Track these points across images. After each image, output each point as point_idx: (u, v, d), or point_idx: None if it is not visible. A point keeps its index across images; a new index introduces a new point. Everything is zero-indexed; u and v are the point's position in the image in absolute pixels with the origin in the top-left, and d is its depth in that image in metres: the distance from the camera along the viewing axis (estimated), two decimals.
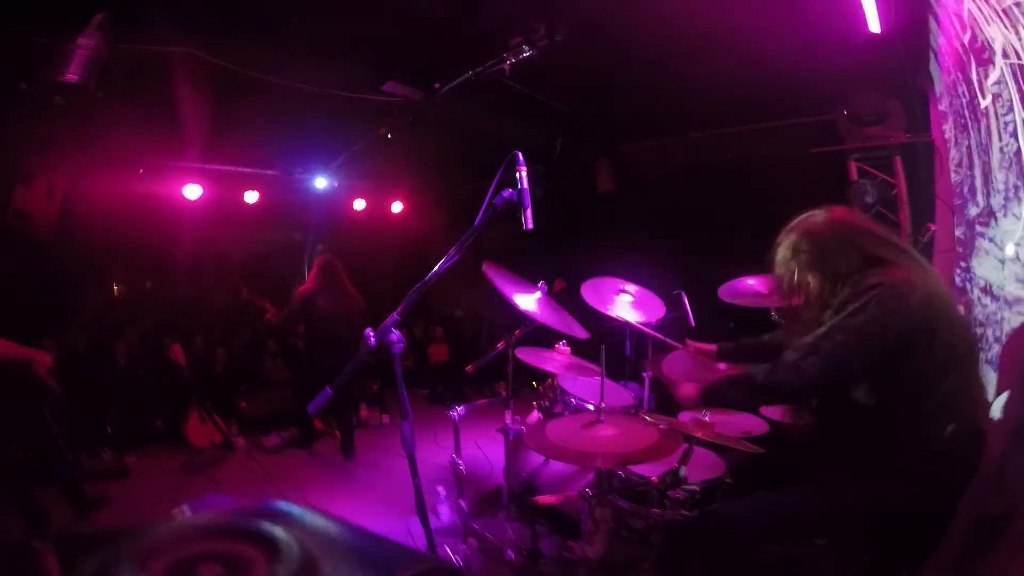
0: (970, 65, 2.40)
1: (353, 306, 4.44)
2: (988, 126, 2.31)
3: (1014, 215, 2.13)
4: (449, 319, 7.69)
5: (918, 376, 1.55)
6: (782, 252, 1.81)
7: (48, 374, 3.36)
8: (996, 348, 2.29)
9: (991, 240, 2.42)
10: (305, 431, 4.70)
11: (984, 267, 2.54)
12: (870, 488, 1.61)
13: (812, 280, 1.73)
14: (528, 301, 2.54)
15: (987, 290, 2.49)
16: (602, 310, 2.86)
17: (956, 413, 1.55)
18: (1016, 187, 2.08)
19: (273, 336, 5.97)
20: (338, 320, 4.31)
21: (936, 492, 1.53)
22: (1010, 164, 2.12)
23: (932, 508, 1.52)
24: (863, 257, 1.65)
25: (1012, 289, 2.18)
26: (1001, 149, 2.19)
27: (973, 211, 2.70)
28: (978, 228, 2.62)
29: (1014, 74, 1.96)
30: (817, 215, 1.80)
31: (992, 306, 2.41)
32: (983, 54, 2.23)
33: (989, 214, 2.43)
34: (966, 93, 2.57)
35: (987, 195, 2.44)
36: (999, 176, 2.25)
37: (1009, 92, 2.01)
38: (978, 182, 2.58)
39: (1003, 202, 2.24)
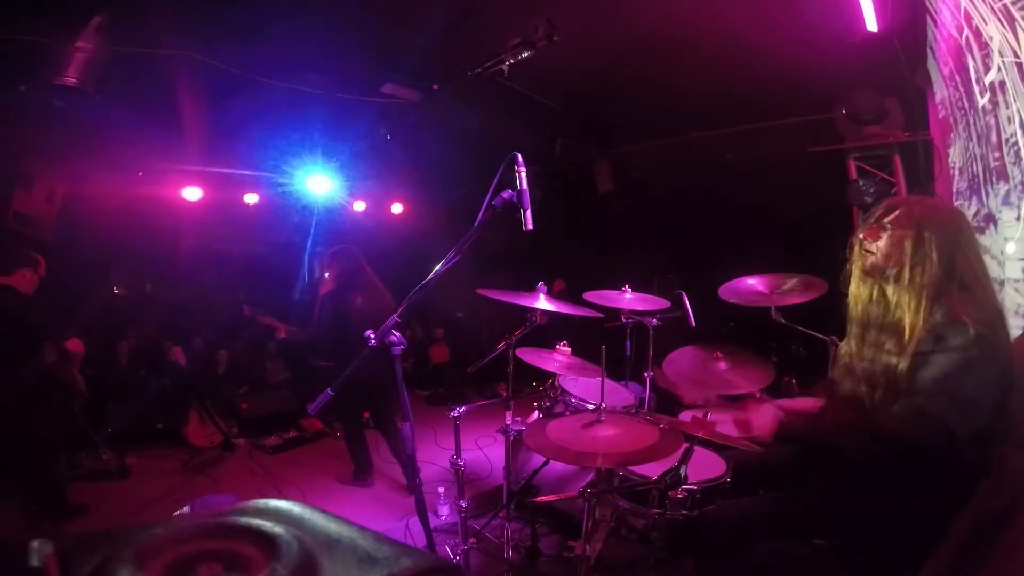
0: (967, 64, 2.40)
1: (387, 305, 3.90)
2: (986, 126, 2.31)
3: (1012, 220, 2.12)
4: (450, 320, 7.69)
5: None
6: (901, 225, 1.65)
7: (76, 373, 3.41)
8: None
9: (987, 251, 2.39)
10: (349, 422, 4.17)
11: None
12: (872, 495, 1.61)
13: (913, 269, 1.60)
14: (539, 303, 2.55)
15: None
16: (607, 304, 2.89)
17: (996, 443, 1.52)
18: (1016, 188, 2.08)
19: (273, 337, 5.97)
20: (372, 319, 3.88)
21: (939, 501, 1.52)
22: (1008, 166, 2.11)
23: (932, 514, 1.52)
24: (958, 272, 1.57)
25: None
26: (999, 148, 2.19)
27: (969, 215, 2.69)
28: None
29: (1012, 73, 1.96)
30: (955, 215, 1.71)
31: None
32: (980, 53, 2.23)
33: (988, 218, 2.41)
34: (964, 92, 2.57)
35: (984, 197, 2.44)
36: (997, 178, 2.25)
37: (1007, 91, 2.01)
38: (975, 184, 2.57)
39: (1001, 205, 2.23)
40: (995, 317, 1.55)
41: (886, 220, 1.68)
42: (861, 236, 1.73)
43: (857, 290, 1.78)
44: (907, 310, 1.60)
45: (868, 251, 1.70)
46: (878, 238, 1.68)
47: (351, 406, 3.96)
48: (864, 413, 1.66)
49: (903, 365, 1.56)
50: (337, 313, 3.78)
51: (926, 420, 1.44)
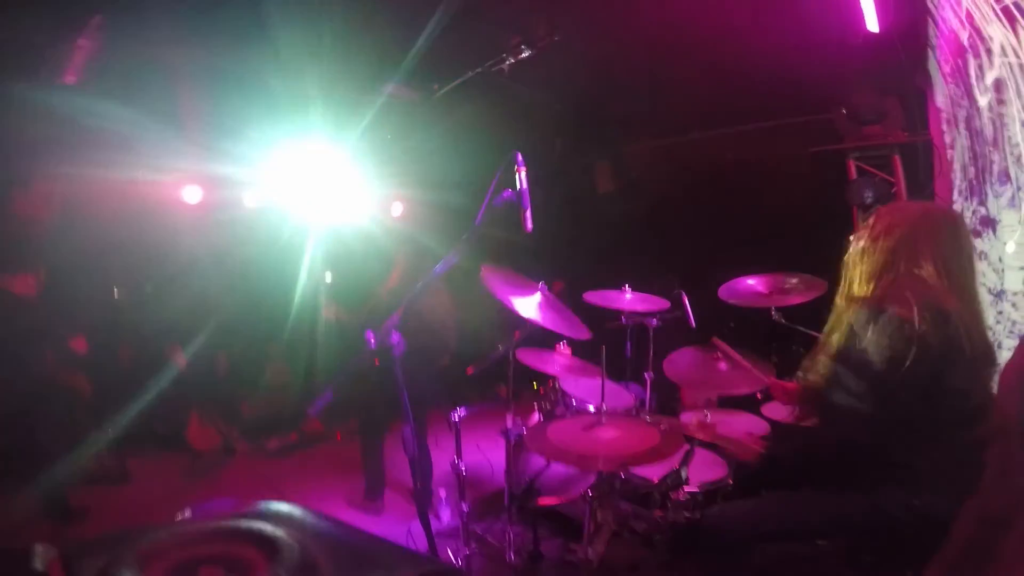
0: (968, 63, 2.40)
1: (441, 308, 3.73)
2: (987, 125, 2.31)
3: (1015, 223, 2.11)
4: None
5: (950, 391, 1.52)
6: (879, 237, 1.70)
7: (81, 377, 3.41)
8: None
9: (984, 256, 2.37)
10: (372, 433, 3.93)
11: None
12: (875, 495, 1.60)
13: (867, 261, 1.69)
14: (529, 305, 2.53)
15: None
16: (607, 306, 2.88)
17: (979, 426, 1.52)
18: (1017, 190, 2.07)
19: (274, 339, 5.95)
20: (424, 323, 3.52)
21: (942, 501, 1.52)
22: (1011, 166, 2.11)
23: (935, 514, 1.52)
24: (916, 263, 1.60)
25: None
26: (1001, 149, 2.19)
27: (967, 215, 2.69)
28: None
29: (1013, 72, 1.96)
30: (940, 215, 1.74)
31: None
32: (982, 53, 2.23)
33: (985, 222, 2.40)
34: (964, 92, 2.56)
35: (984, 198, 2.43)
36: (996, 180, 2.24)
37: (1008, 90, 2.01)
38: (975, 184, 2.57)
39: (1005, 206, 2.22)
40: (947, 305, 1.54)
41: (882, 210, 1.77)
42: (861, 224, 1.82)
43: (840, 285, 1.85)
44: (855, 285, 1.70)
45: (852, 241, 1.78)
46: (861, 228, 1.77)
47: (381, 417, 3.69)
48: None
49: (835, 338, 1.67)
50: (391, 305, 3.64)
51: (845, 418, 1.59)
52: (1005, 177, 2.19)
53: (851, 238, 1.80)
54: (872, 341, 1.53)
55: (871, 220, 1.75)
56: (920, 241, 1.62)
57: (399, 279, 3.81)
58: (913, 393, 1.51)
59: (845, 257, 1.79)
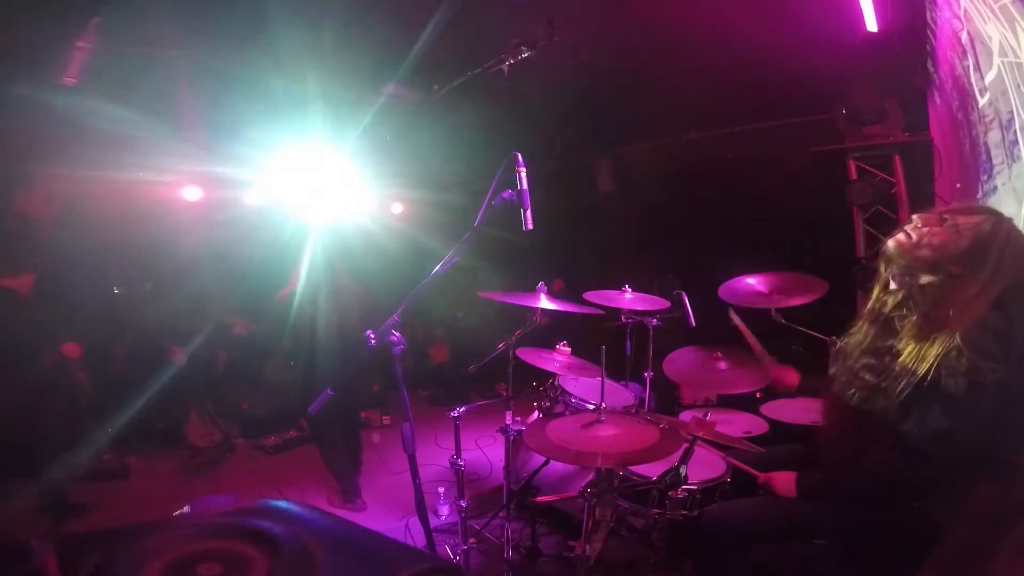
0: (967, 63, 2.40)
1: (348, 305, 3.63)
2: (985, 126, 2.31)
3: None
4: (450, 320, 7.68)
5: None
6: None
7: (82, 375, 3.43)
8: None
9: None
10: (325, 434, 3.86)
11: None
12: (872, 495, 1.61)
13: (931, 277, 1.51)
14: (540, 302, 2.54)
15: None
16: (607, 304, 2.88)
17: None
18: (1015, 189, 2.08)
19: (274, 337, 5.95)
20: (329, 322, 3.53)
21: (939, 502, 1.52)
22: (1008, 166, 2.11)
23: (932, 515, 1.52)
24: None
25: None
26: (999, 148, 2.19)
27: None
28: None
29: (1012, 72, 1.96)
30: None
31: None
32: (980, 52, 2.23)
33: None
34: (963, 92, 2.57)
35: (981, 198, 2.43)
36: (997, 180, 2.24)
37: (1007, 90, 2.01)
38: (973, 184, 2.57)
39: (999, 204, 2.23)
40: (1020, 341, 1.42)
41: (959, 217, 1.53)
42: (916, 216, 1.61)
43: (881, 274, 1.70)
44: (928, 319, 1.50)
45: (911, 232, 1.58)
46: (929, 223, 1.56)
47: (326, 421, 3.56)
48: (855, 448, 1.64)
49: (922, 368, 1.47)
50: (293, 311, 3.64)
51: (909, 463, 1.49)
52: (1002, 176, 2.19)
53: (916, 217, 1.61)
54: (956, 381, 1.41)
55: (963, 218, 1.52)
56: (1006, 272, 1.45)
57: (297, 282, 3.67)
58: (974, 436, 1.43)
59: (889, 249, 1.62)
